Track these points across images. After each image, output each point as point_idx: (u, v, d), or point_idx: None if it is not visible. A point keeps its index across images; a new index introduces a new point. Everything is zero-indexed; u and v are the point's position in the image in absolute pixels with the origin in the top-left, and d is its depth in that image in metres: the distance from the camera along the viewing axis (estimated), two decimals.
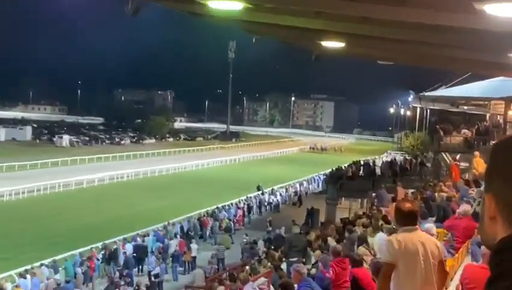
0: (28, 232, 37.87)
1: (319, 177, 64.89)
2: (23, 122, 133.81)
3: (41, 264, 27.88)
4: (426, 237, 6.01)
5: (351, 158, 61.53)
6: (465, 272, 7.50)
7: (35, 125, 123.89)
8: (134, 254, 30.63)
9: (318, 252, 16.00)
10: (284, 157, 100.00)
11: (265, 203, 50.54)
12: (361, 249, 12.97)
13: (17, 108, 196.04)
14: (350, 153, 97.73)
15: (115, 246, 30.83)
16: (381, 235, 13.32)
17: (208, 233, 39.09)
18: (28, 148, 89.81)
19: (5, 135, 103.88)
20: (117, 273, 27.48)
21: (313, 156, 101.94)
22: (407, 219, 5.94)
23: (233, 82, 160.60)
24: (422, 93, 36.61)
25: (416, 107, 68.43)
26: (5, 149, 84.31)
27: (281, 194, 54.01)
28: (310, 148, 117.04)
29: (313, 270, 14.62)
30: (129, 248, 31.06)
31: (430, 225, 11.08)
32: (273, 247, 27.48)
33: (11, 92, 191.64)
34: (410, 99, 45.79)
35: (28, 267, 26.94)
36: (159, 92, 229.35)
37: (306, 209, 43.34)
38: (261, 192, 51.92)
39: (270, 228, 39.57)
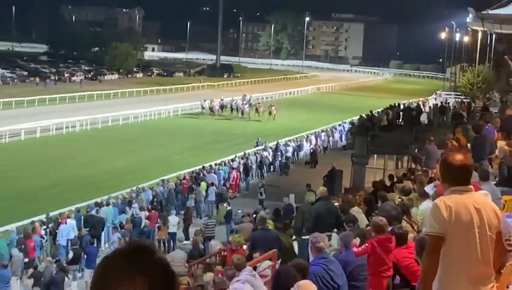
0: None
1: (343, 128, 64.86)
2: None
3: None
4: (483, 200, 6.05)
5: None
6: None
7: None
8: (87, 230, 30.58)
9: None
10: (295, 100, 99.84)
11: (268, 163, 50.60)
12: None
13: None
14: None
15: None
16: (428, 204, 13.32)
17: (191, 202, 39.19)
18: None
19: None
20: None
21: (330, 99, 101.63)
22: (459, 176, 5.92)
23: None
24: (485, 12, 36.29)
25: (476, 31, 68.03)
26: None
27: (292, 150, 54.09)
28: (205, 107, 79.15)
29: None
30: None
31: (489, 189, 10.99)
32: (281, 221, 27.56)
33: None
34: (468, 19, 45.41)
35: None
36: (124, 10, 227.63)
37: (324, 170, 43.45)
38: (262, 147, 51.90)
39: (264, 196, 40.29)
